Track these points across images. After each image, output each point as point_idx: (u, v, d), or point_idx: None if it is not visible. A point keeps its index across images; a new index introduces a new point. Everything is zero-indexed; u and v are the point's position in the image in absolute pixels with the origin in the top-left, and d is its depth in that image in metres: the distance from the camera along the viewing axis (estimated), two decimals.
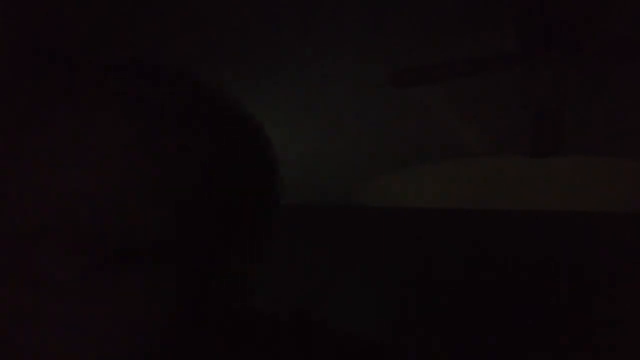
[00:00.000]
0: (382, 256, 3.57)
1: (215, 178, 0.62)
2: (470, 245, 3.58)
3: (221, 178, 0.62)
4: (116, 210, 0.58)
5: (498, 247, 3.57)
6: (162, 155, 0.59)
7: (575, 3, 2.88)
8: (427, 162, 4.24)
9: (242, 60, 3.34)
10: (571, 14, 2.89)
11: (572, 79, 3.17)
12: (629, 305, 3.42)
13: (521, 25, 2.93)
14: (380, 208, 4.01)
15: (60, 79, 0.60)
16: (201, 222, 0.61)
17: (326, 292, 3.51)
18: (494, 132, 3.94)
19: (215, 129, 0.63)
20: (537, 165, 4.08)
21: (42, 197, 0.58)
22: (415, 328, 3.51)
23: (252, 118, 0.67)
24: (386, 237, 3.62)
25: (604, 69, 3.32)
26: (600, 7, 2.91)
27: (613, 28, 3.00)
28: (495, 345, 3.45)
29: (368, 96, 3.60)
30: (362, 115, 3.78)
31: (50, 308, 0.58)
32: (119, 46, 3.20)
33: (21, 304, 0.58)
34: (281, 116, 3.81)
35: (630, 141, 3.94)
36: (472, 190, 4.41)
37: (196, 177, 0.61)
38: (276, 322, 0.68)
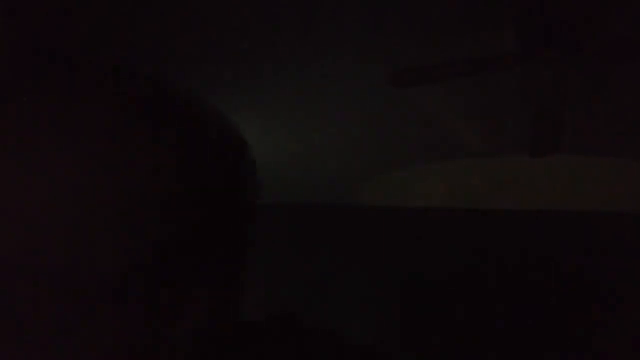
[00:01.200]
0: (382, 256, 3.57)
1: (217, 183, 0.61)
2: (471, 245, 3.58)
3: (222, 183, 0.61)
4: (129, 215, 0.56)
5: (498, 247, 3.57)
6: (168, 158, 0.58)
7: (575, 3, 2.88)
8: (428, 162, 4.24)
9: (242, 60, 3.34)
10: (571, 14, 2.89)
11: (572, 79, 3.17)
12: (629, 305, 3.42)
13: (521, 25, 2.93)
14: (380, 208, 4.01)
15: (60, 78, 0.60)
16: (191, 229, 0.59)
17: (325, 292, 3.51)
18: (494, 132, 3.94)
19: (217, 132, 0.62)
20: (537, 165, 4.08)
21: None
22: (415, 328, 3.51)
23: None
24: (386, 237, 3.62)
25: (604, 69, 3.32)
26: (600, 7, 2.91)
27: (613, 28, 3.00)
28: (495, 345, 3.45)
29: (368, 96, 3.60)
30: (362, 115, 3.78)
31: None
32: (119, 46, 3.20)
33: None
34: (281, 116, 3.81)
35: (630, 141, 3.94)
36: (473, 190, 4.41)
37: (196, 182, 0.59)
38: (259, 329, 0.66)
